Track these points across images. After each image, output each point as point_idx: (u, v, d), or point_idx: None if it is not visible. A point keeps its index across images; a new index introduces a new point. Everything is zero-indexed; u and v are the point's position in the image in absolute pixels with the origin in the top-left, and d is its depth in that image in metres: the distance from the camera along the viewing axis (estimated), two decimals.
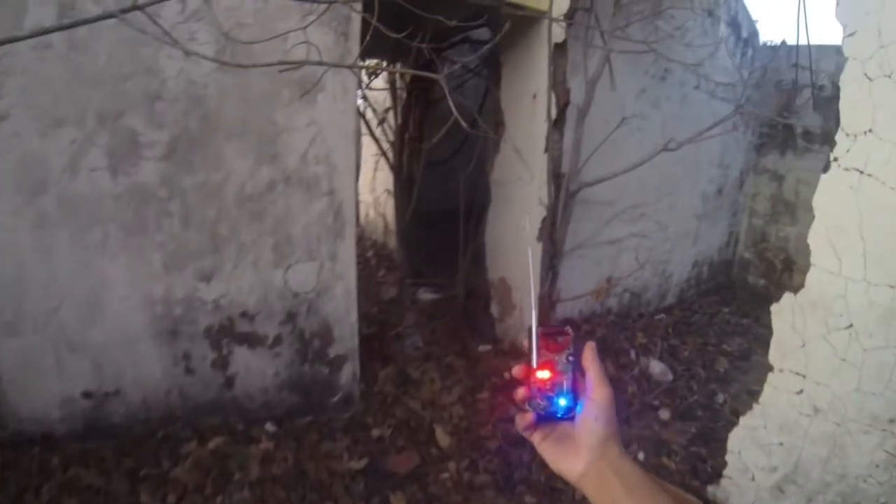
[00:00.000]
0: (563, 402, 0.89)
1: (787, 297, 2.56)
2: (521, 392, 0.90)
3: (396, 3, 2.46)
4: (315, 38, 2.94)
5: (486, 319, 4.90)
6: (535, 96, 4.16)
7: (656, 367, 4.53)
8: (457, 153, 5.84)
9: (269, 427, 3.33)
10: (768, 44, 6.78)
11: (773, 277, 6.89)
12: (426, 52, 2.75)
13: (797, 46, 6.42)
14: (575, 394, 0.89)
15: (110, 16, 1.61)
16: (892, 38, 2.17)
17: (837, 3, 2.39)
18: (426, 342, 4.70)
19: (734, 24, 5.98)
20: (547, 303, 4.28)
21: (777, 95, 6.59)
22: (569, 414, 0.89)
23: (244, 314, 3.23)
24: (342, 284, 3.44)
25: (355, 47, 3.25)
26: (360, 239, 7.49)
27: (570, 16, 3.88)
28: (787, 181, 6.80)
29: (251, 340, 3.28)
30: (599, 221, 4.89)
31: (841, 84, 2.36)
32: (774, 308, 2.63)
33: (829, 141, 6.18)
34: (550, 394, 0.89)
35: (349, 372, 3.60)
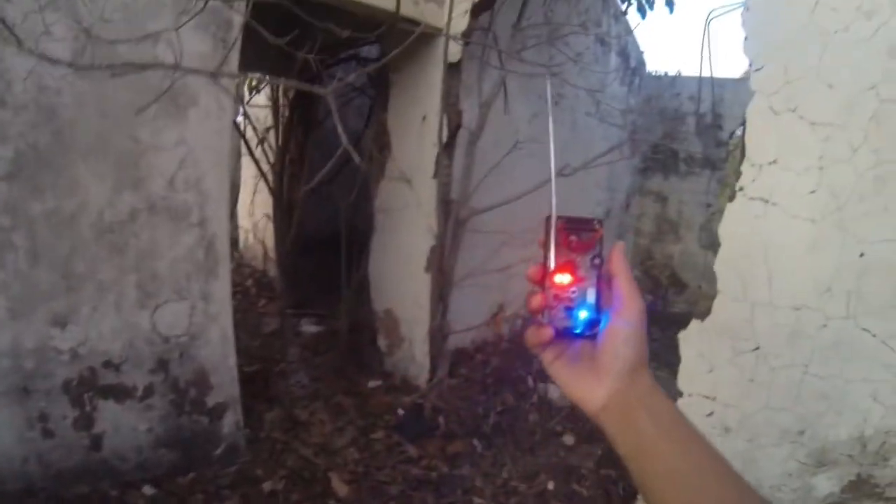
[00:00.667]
0: (583, 314, 0.71)
1: (694, 323, 2.57)
2: (536, 299, 0.71)
3: (282, 12, 2.21)
4: (190, 42, 2.71)
5: (374, 353, 4.65)
6: (424, 118, 4.00)
7: (555, 391, 4.40)
8: (338, 175, 5.60)
9: (147, 490, 2.92)
10: (653, 73, 7.15)
11: (659, 293, 7.26)
12: (313, 65, 2.53)
13: (680, 77, 6.86)
14: (599, 306, 0.71)
15: None
16: (798, 75, 2.27)
17: (745, 38, 2.46)
18: (312, 379, 4.42)
19: (624, 54, 6.19)
20: (438, 335, 4.08)
21: (662, 122, 6.95)
22: (590, 330, 0.71)
23: (108, 363, 2.80)
24: (217, 327, 3.10)
25: (235, 56, 2.96)
26: (239, 266, 7.23)
27: (467, 35, 3.75)
28: (670, 202, 7.36)
29: (118, 393, 2.86)
30: (489, 248, 4.75)
31: (747, 116, 2.44)
32: (681, 335, 2.63)
33: (709, 165, 6.69)
34: (570, 304, 0.71)
35: (231, 420, 3.24)
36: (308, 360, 4.75)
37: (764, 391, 2.34)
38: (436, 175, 3.98)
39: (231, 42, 2.93)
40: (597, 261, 0.71)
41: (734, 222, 2.48)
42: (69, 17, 2.49)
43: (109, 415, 2.83)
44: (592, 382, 0.70)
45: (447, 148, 3.97)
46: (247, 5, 2.85)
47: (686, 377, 2.65)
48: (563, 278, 0.71)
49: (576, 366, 0.73)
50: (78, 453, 2.78)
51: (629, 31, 6.52)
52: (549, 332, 0.71)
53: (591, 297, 0.71)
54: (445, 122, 3.89)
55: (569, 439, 3.92)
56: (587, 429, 4.02)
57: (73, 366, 2.71)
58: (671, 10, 4.79)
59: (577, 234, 0.72)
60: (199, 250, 2.98)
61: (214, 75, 2.81)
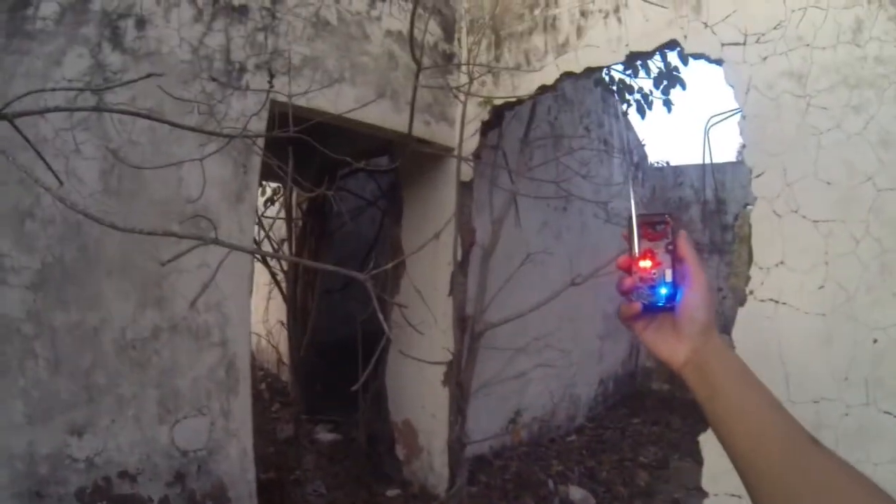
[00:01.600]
0: (663, 290, 0.86)
1: None
2: (627, 282, 0.88)
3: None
4: (212, 168, 2.81)
5: (392, 462, 4.59)
6: (438, 237, 4.08)
7: (576, 493, 4.37)
8: (352, 282, 5.68)
9: None
10: (655, 165, 7.29)
11: (676, 382, 6.96)
12: (321, 191, 2.64)
13: (681, 167, 6.99)
14: (675, 283, 0.86)
15: None
16: (797, 176, 2.37)
17: (744, 147, 2.63)
18: (329, 488, 4.35)
19: (626, 151, 6.33)
20: (457, 445, 4.04)
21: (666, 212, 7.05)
22: (670, 303, 0.86)
23: (123, 474, 2.76)
24: (237, 442, 3.09)
25: (255, 180, 3.09)
26: (253, 370, 7.06)
27: (478, 154, 3.89)
28: None
29: (132, 503, 2.81)
30: (504, 358, 4.78)
31: (752, 222, 2.54)
32: (702, 438, 2.66)
33: (716, 250, 6.71)
34: (652, 283, 0.87)
35: None
36: (324, 468, 4.69)
37: None
38: (451, 293, 4.05)
39: (251, 166, 3.07)
40: (670, 247, 0.87)
41: (747, 324, 2.52)
42: (99, 137, 2.61)
43: None
44: (676, 344, 0.86)
45: (462, 266, 4.05)
46: (265, 140, 3.00)
47: (710, 478, 2.65)
48: (645, 263, 0.87)
49: (661, 332, 0.88)
50: None
51: (629, 128, 6.72)
52: (637, 308, 0.87)
53: (668, 276, 0.86)
54: (459, 240, 3.98)
55: None
56: None
57: (87, 474, 2.66)
58: (669, 111, 4.97)
59: (653, 226, 0.88)
60: (220, 369, 3.01)
61: (249, 252, 2.93)
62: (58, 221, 2.54)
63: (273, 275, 5.58)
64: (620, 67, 4.94)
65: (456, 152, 3.81)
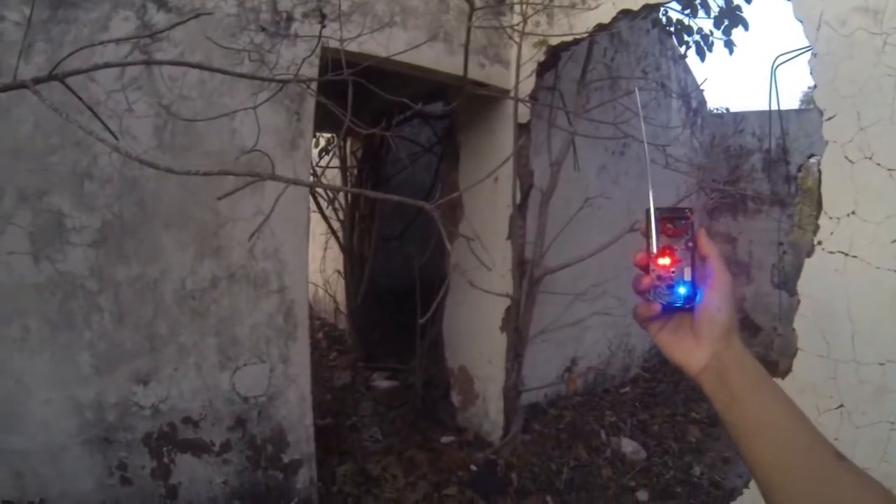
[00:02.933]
0: (682, 290, 0.83)
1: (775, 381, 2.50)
2: (644, 281, 0.84)
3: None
4: (265, 117, 2.79)
5: (447, 408, 4.63)
6: (496, 179, 4.00)
7: (628, 445, 4.35)
8: (408, 229, 5.68)
9: None
10: (715, 112, 7.03)
11: None
12: (377, 130, 2.60)
13: (742, 113, 6.70)
14: (694, 282, 0.83)
15: (21, 85, 1.37)
16: (872, 120, 2.20)
17: (815, 88, 2.42)
18: (385, 434, 4.41)
19: (685, 96, 6.11)
20: (512, 392, 4.04)
21: (726, 161, 6.78)
22: (689, 303, 0.82)
23: (187, 420, 2.87)
24: (296, 388, 3.15)
25: (309, 128, 3.07)
26: (311, 319, 7.19)
27: (534, 95, 3.78)
28: (740, 243, 7.13)
29: (196, 447, 2.92)
30: (562, 304, 4.72)
31: (822, 168, 2.37)
32: None
33: (778, 202, 6.47)
34: (671, 282, 0.83)
35: (306, 477, 3.25)
36: (381, 415, 4.76)
37: (849, 449, 2.17)
38: (510, 236, 3.99)
39: (305, 113, 3.04)
40: (690, 244, 0.83)
41: (814, 277, 2.40)
42: (150, 95, 2.63)
43: (186, 467, 2.88)
44: (693, 347, 0.81)
45: (520, 209, 3.98)
46: (318, 84, 2.96)
47: None
48: (664, 261, 0.83)
49: (678, 334, 0.84)
50: (154, 501, 2.83)
51: (688, 72, 6.48)
52: (655, 308, 0.84)
53: (687, 274, 0.83)
54: (517, 183, 3.91)
55: (643, 495, 3.82)
56: (661, 484, 3.95)
57: (153, 420, 2.78)
58: (731, 52, 4.72)
59: (673, 222, 0.84)
60: (279, 316, 3.05)
61: (305, 185, 2.91)
62: (115, 180, 2.59)
63: (329, 224, 5.61)
64: (679, 7, 4.71)
65: (512, 94, 3.70)
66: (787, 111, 6.65)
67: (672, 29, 5.17)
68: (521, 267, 4.02)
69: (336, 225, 5.75)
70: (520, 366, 4.09)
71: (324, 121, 3.79)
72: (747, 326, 6.93)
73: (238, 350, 2.95)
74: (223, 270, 2.88)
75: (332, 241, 6.00)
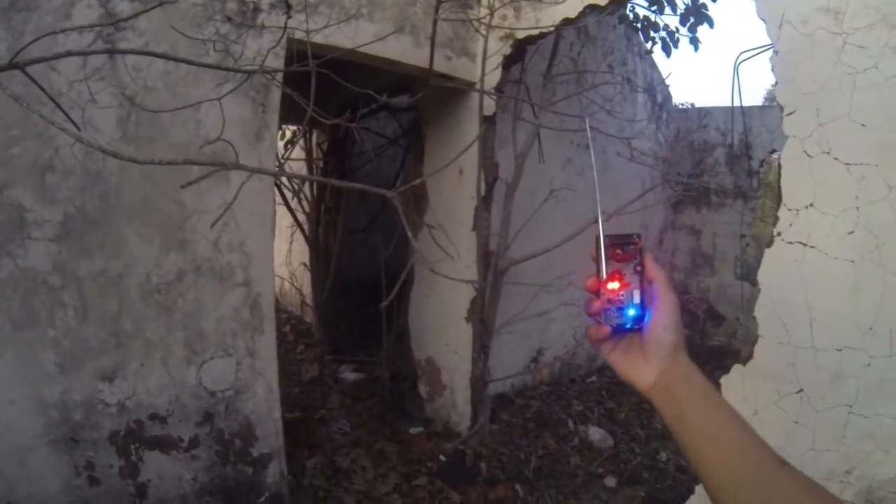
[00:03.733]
0: (631, 312, 0.86)
1: (736, 368, 2.57)
2: (595, 304, 0.87)
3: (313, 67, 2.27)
4: (231, 108, 2.74)
5: (415, 400, 4.65)
6: (461, 172, 4.02)
7: (596, 433, 4.41)
8: (374, 221, 5.68)
9: None
10: (680, 107, 7.12)
11: (696, 328, 7.14)
12: (342, 121, 2.59)
13: (706, 109, 6.82)
14: (643, 304, 0.86)
15: None
16: (830, 117, 2.26)
17: (776, 85, 2.47)
18: (353, 426, 4.41)
19: (650, 90, 6.17)
20: (479, 383, 4.07)
21: (690, 155, 6.91)
22: (637, 324, 0.86)
23: (154, 416, 2.84)
24: (263, 381, 3.13)
25: (274, 119, 3.05)
26: (277, 313, 7.14)
27: (500, 88, 3.80)
28: (704, 235, 7.24)
29: (164, 444, 2.88)
30: (527, 295, 4.77)
31: (782, 161, 2.43)
32: (724, 380, 2.62)
33: (741, 195, 6.57)
34: (620, 305, 0.86)
35: (275, 470, 3.24)
36: (349, 407, 4.75)
37: (809, 433, 2.32)
38: (475, 228, 4.01)
39: (270, 105, 3.02)
40: (638, 268, 0.87)
41: (773, 267, 2.46)
42: (114, 86, 2.57)
43: (155, 464, 2.84)
44: (643, 365, 0.85)
45: (485, 201, 4.00)
46: (284, 76, 2.94)
47: None
48: (613, 285, 0.86)
49: (628, 354, 0.88)
50: (123, 501, 2.78)
51: (654, 67, 6.54)
52: (606, 330, 0.86)
53: (636, 297, 0.86)
54: (482, 175, 3.92)
55: (610, 481, 3.89)
56: (629, 470, 4.02)
57: (120, 418, 2.73)
58: (696, 49, 4.77)
59: (622, 247, 0.87)
60: (245, 309, 3.02)
61: (271, 174, 2.89)
62: (78, 172, 2.54)
63: (295, 216, 5.59)
64: (645, 3, 4.75)
65: (478, 86, 3.72)
66: (751, 107, 6.77)
67: (639, 25, 5.20)
68: (486, 258, 4.04)
69: (301, 217, 5.72)
70: (486, 356, 4.12)
71: (289, 112, 3.76)
72: (712, 317, 7.10)
73: (204, 344, 2.92)
74: (189, 264, 2.84)
75: (298, 234, 5.98)
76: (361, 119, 5.53)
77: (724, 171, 6.91)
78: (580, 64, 4.96)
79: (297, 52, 2.63)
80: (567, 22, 3.45)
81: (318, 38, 3.02)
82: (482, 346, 4.07)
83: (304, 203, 5.71)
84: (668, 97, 6.96)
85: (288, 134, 6.29)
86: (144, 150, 2.65)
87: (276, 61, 2.91)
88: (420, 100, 4.10)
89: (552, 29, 3.55)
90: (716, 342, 6.99)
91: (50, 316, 2.52)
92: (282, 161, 5.41)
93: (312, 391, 4.92)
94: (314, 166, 5.96)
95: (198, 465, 2.97)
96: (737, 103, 4.08)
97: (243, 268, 3.00)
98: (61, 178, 2.50)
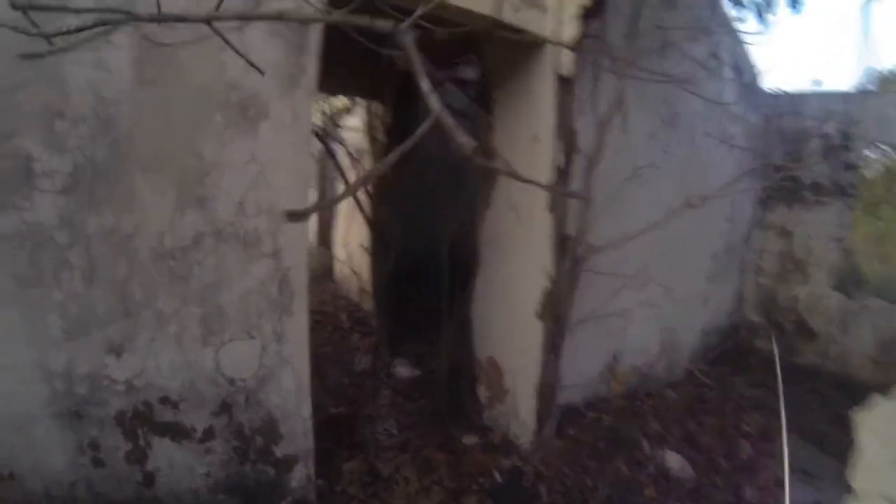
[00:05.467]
0: None
1: (880, 402, 2.02)
2: None
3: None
4: (261, 49, 2.45)
5: (473, 404, 4.16)
6: (536, 138, 3.50)
7: (674, 460, 3.83)
8: (440, 202, 5.22)
9: None
10: (771, 91, 6.49)
11: (783, 342, 6.42)
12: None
13: (800, 94, 6.17)
14: None
15: None
16: None
17: None
18: (402, 427, 3.97)
19: (737, 69, 5.60)
20: (548, 391, 3.54)
21: (783, 145, 6.30)
22: None
23: (165, 399, 2.50)
24: (291, 372, 2.72)
25: (313, 63, 2.63)
26: (334, 298, 7.15)
27: (578, 43, 3.26)
28: (795, 237, 6.44)
29: (175, 432, 2.55)
30: (605, 290, 4.16)
31: None
32: (859, 416, 2.09)
33: (839, 192, 5.93)
34: None
35: (302, 474, 2.85)
36: (399, 406, 4.33)
37: None
38: (551, 207, 3.48)
39: (309, 48, 2.59)
40: None
41: None
42: (129, 24, 2.25)
43: (165, 452, 2.57)
44: None
45: (563, 175, 3.48)
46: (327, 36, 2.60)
47: (863, 470, 2.06)
48: None
49: None
50: (128, 487, 2.53)
51: (741, 44, 5.90)
52: None
53: None
54: (560, 144, 3.41)
55: None
56: None
57: (127, 397, 2.46)
58: (796, 10, 4.01)
59: None
60: (273, 284, 2.63)
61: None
62: (89, 119, 2.26)
63: (354, 194, 5.19)
64: None
65: (552, 40, 3.20)
66: (850, 93, 6.16)
67: None
68: (563, 243, 3.51)
69: (361, 197, 5.33)
70: (557, 359, 3.58)
71: (345, 83, 3.35)
72: (801, 331, 6.34)
73: (224, 323, 2.55)
74: (208, 226, 2.47)
75: (357, 214, 5.60)
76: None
77: (820, 162, 6.15)
78: (663, 33, 4.36)
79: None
80: None
81: None
82: (553, 346, 3.53)
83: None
84: (756, 78, 6.30)
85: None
86: (162, 93, 2.35)
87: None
88: (486, 60, 3.59)
89: None
90: (805, 360, 6.21)
91: (56, 276, 2.27)
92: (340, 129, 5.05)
93: (363, 385, 4.51)
94: (374, 138, 5.54)
95: (212, 460, 2.66)
96: (862, 55, 3.45)
97: (272, 235, 2.61)
98: (71, 125, 2.23)
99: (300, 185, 2.65)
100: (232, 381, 2.59)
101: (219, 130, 2.43)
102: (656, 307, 4.81)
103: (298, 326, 2.72)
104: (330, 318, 6.25)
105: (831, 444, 4.24)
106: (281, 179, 2.58)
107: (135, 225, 2.36)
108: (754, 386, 5.43)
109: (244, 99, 2.43)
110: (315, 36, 2.60)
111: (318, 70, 2.61)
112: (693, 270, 5.41)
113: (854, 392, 5.60)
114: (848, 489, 2.11)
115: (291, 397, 2.74)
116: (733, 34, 5.59)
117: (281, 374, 2.70)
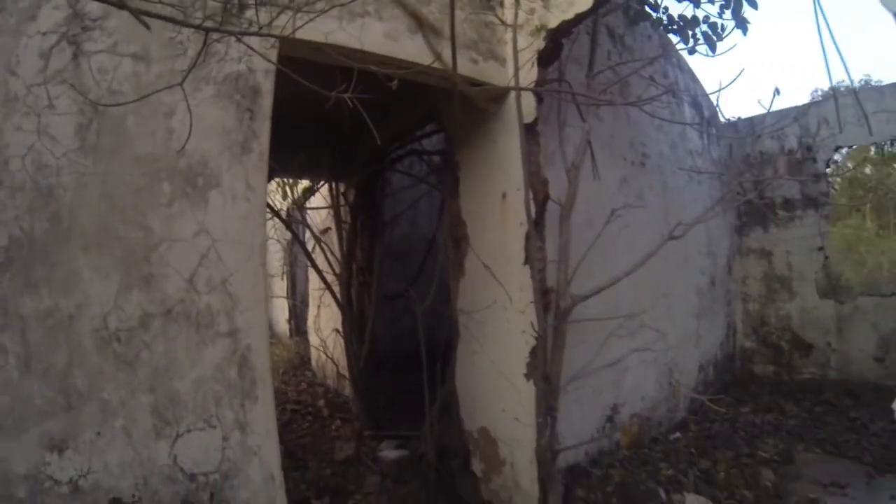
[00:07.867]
0: None
1: None
2: None
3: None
4: (209, 112, 2.38)
5: (468, 480, 3.87)
6: (504, 196, 3.40)
7: (694, 502, 3.61)
8: (414, 283, 5.06)
9: None
10: (728, 120, 6.96)
11: (782, 362, 6.58)
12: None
13: (756, 117, 6.68)
14: None
15: None
16: None
17: None
18: None
19: (696, 105, 5.79)
20: (547, 455, 3.28)
21: (748, 169, 6.68)
22: None
23: (116, 501, 2.21)
24: (259, 463, 2.46)
25: (265, 128, 2.52)
26: (312, 386, 7.03)
27: (539, 87, 3.21)
28: (776, 256, 6.73)
29: None
30: (595, 343, 4.01)
31: None
32: None
33: (811, 203, 6.08)
34: None
35: None
36: (388, 491, 4.04)
37: None
38: (528, 261, 3.34)
39: (259, 111, 2.49)
40: None
41: None
42: (75, 90, 2.21)
43: None
44: None
45: (537, 227, 3.35)
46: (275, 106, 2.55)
47: None
48: None
49: None
50: None
51: (696, 81, 6.12)
52: None
53: None
54: (531, 195, 3.29)
55: None
56: None
57: (73, 500, 2.15)
58: (744, 32, 4.01)
59: None
60: (231, 367, 2.41)
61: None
62: (27, 188, 2.14)
63: (323, 277, 5.06)
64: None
65: (513, 86, 3.15)
66: (803, 105, 6.54)
67: (675, 27, 4.58)
68: (545, 297, 3.33)
69: (330, 279, 5.18)
70: (553, 420, 3.34)
71: (308, 165, 3.26)
72: (798, 346, 6.47)
73: (178, 412, 2.30)
74: (156, 306, 2.27)
75: (327, 299, 5.43)
76: (392, 163, 5.13)
77: (787, 179, 6.43)
78: (620, 75, 4.37)
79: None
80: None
81: (315, 36, 2.60)
82: (548, 407, 3.30)
83: (332, 263, 5.19)
84: (714, 112, 6.48)
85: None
86: (106, 162, 2.25)
87: (265, 64, 2.51)
88: (448, 125, 3.52)
89: (588, 11, 3.04)
90: (807, 376, 6.32)
91: None
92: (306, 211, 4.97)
93: (347, 473, 4.23)
94: (340, 219, 5.42)
95: None
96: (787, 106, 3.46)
97: (227, 313, 2.41)
98: (8, 194, 2.12)
99: (254, 258, 2.48)
100: (192, 477, 2.31)
101: (166, 201, 2.29)
102: (649, 352, 4.65)
103: (264, 413, 2.48)
104: (308, 408, 6.01)
105: (853, 450, 4.26)
106: (233, 253, 2.41)
107: (76, 305, 2.16)
108: (762, 411, 5.43)
109: (193, 166, 2.32)
110: (266, 101, 2.52)
111: (269, 135, 2.51)
112: (681, 310, 5.38)
113: (862, 395, 5.58)
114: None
115: (262, 491, 2.46)
116: (688, 73, 5.71)
117: (247, 466, 2.43)
